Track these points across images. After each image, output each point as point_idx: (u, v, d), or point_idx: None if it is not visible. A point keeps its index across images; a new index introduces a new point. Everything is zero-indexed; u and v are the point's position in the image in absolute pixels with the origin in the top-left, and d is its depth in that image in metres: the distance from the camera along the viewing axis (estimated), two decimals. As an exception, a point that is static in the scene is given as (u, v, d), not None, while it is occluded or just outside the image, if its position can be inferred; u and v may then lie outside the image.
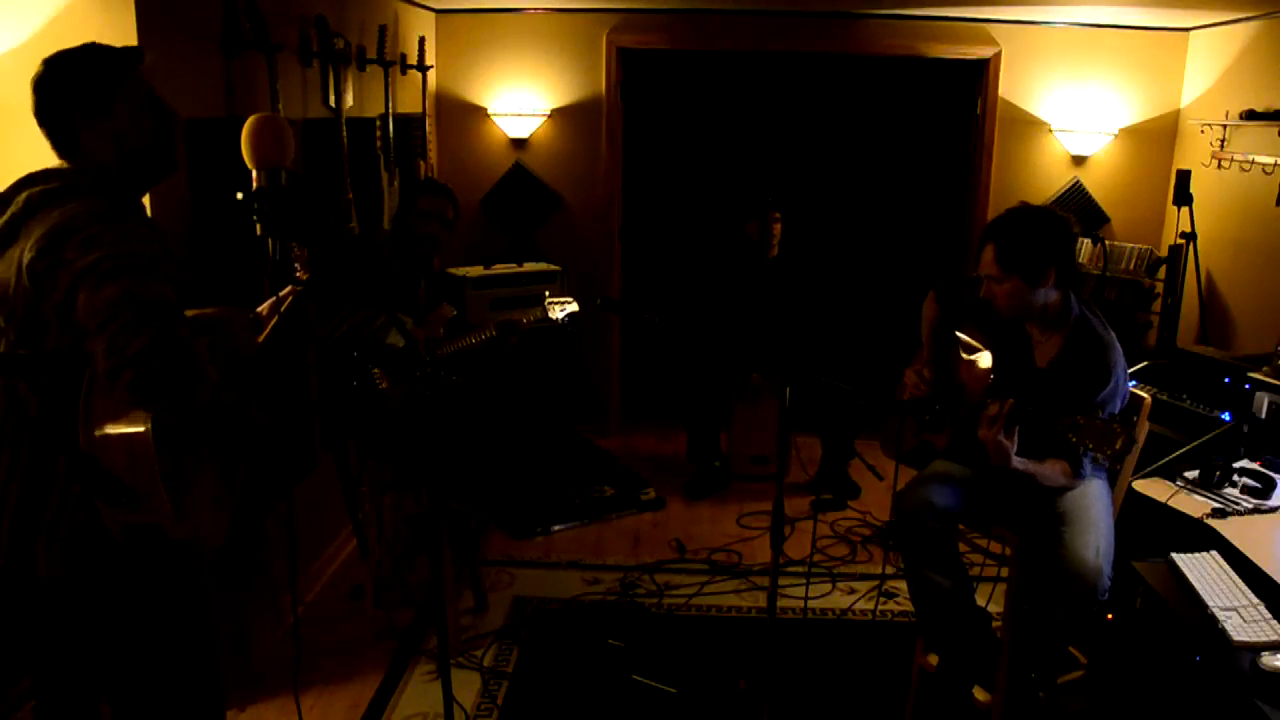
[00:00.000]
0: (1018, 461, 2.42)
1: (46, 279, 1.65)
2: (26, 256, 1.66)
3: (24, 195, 1.72)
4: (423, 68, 4.58)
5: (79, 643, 1.86)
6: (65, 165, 1.79)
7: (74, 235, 1.64)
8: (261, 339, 2.07)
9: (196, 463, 1.82)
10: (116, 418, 1.67)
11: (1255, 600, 2.18)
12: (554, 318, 3.39)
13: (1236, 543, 2.45)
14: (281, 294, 2.14)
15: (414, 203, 3.32)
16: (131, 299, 1.61)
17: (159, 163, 1.88)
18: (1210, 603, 2.18)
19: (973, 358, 2.69)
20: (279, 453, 2.04)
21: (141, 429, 1.66)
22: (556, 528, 4.24)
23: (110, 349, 1.60)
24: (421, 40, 4.60)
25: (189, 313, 1.91)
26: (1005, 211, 2.55)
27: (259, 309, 2.14)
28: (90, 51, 1.80)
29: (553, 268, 4.91)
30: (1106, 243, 4.87)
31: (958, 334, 2.73)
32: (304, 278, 2.12)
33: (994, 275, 2.49)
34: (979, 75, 5.14)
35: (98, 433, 1.66)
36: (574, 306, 3.44)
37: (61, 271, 1.64)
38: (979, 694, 2.66)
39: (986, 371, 2.62)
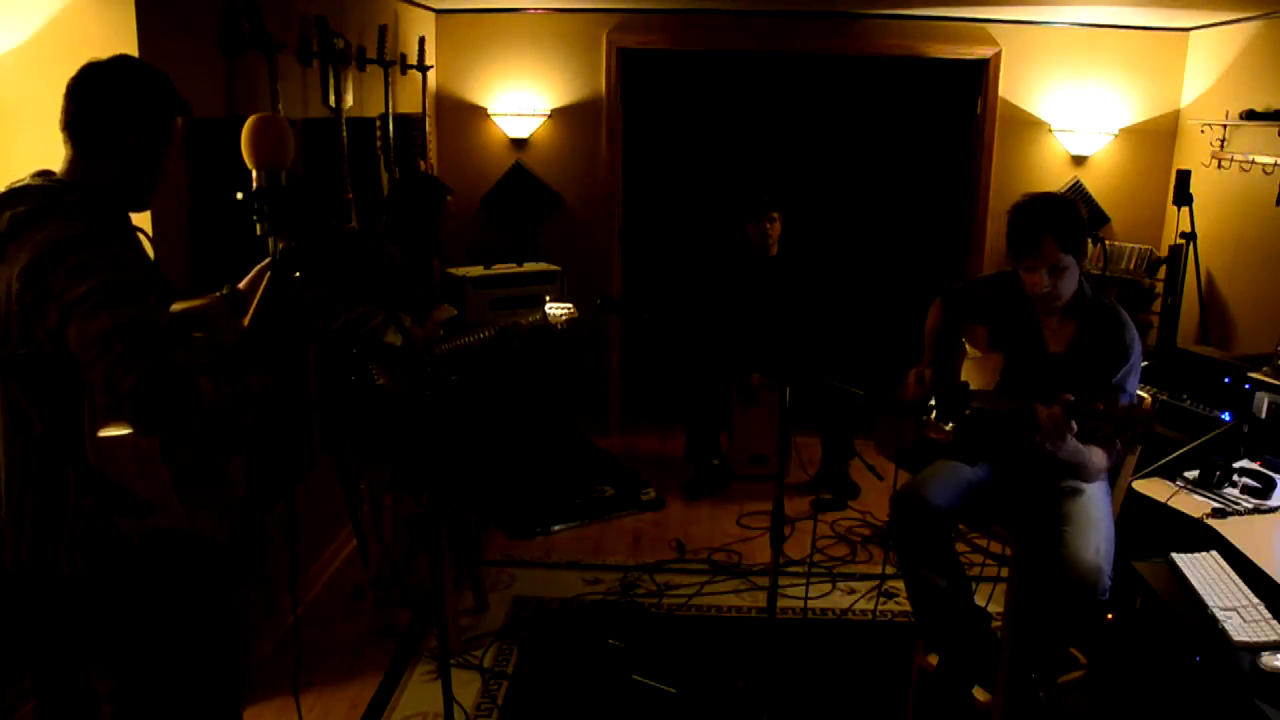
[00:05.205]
0: (1071, 447, 2.36)
1: (36, 309, 1.63)
2: (15, 286, 1.64)
3: (6, 215, 1.68)
4: (423, 68, 4.58)
5: (100, 638, 1.87)
6: (46, 180, 1.74)
7: (60, 264, 1.62)
8: (246, 321, 2.04)
9: (204, 462, 1.82)
10: (121, 424, 1.66)
11: (1255, 600, 2.18)
12: (553, 323, 3.40)
13: (1236, 543, 2.45)
14: (261, 265, 2.10)
15: (442, 204, 3.37)
16: (122, 330, 1.59)
17: (139, 201, 1.86)
18: (1210, 603, 2.18)
19: (978, 358, 2.70)
20: (280, 443, 2.02)
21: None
22: (556, 528, 4.24)
23: (106, 384, 1.59)
24: (421, 40, 4.60)
25: (178, 306, 1.90)
26: (1027, 205, 2.53)
27: (239, 285, 2.12)
28: (164, 79, 1.81)
29: (553, 268, 4.91)
30: (1106, 243, 4.88)
31: (963, 338, 2.74)
32: (281, 246, 2.08)
33: (1056, 263, 2.48)
34: (979, 75, 5.14)
35: (103, 436, 1.66)
36: (574, 314, 3.45)
37: (50, 303, 1.62)
38: (979, 694, 2.66)
39: (992, 370, 2.64)
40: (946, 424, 2.68)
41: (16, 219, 1.68)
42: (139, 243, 1.80)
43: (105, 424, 1.66)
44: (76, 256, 1.62)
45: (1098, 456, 2.47)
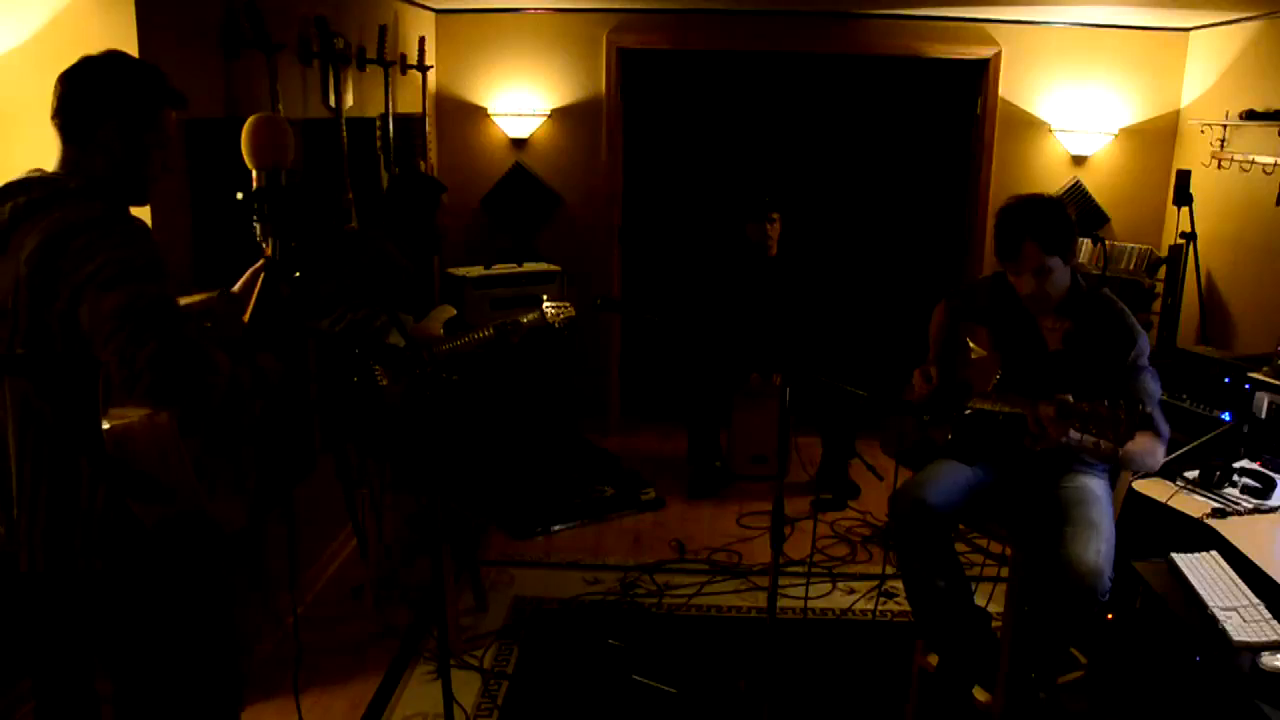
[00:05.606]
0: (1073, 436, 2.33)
1: (46, 291, 1.64)
2: (23, 270, 1.64)
3: (7, 206, 1.70)
4: (423, 68, 4.58)
5: (108, 634, 1.86)
6: (47, 171, 1.76)
7: (68, 245, 1.63)
8: (246, 318, 2.05)
9: (222, 446, 1.82)
10: (139, 410, 1.66)
11: (1255, 600, 2.19)
12: (551, 322, 3.41)
13: (1236, 543, 2.45)
14: (255, 267, 2.10)
15: (437, 201, 3.38)
16: (134, 307, 1.60)
17: (135, 194, 1.87)
18: (1210, 603, 2.18)
19: (979, 358, 2.70)
20: (285, 437, 2.02)
21: (163, 417, 1.66)
22: (556, 528, 4.24)
23: (122, 360, 1.59)
24: (421, 40, 4.60)
25: (182, 300, 1.90)
26: (1010, 209, 2.55)
27: (233, 289, 2.12)
28: (151, 70, 1.81)
29: (553, 268, 4.91)
30: (1106, 243, 4.87)
31: (966, 339, 2.74)
32: (269, 253, 2.09)
33: (1040, 266, 2.49)
34: (979, 75, 5.14)
35: (118, 425, 1.65)
36: (570, 312, 3.45)
37: (61, 283, 1.62)
38: (979, 694, 2.66)
39: (994, 370, 2.64)
40: (943, 426, 2.69)
41: (17, 210, 1.69)
42: (144, 230, 1.81)
43: (115, 408, 1.65)
44: (83, 237, 1.64)
45: (1137, 445, 2.35)
